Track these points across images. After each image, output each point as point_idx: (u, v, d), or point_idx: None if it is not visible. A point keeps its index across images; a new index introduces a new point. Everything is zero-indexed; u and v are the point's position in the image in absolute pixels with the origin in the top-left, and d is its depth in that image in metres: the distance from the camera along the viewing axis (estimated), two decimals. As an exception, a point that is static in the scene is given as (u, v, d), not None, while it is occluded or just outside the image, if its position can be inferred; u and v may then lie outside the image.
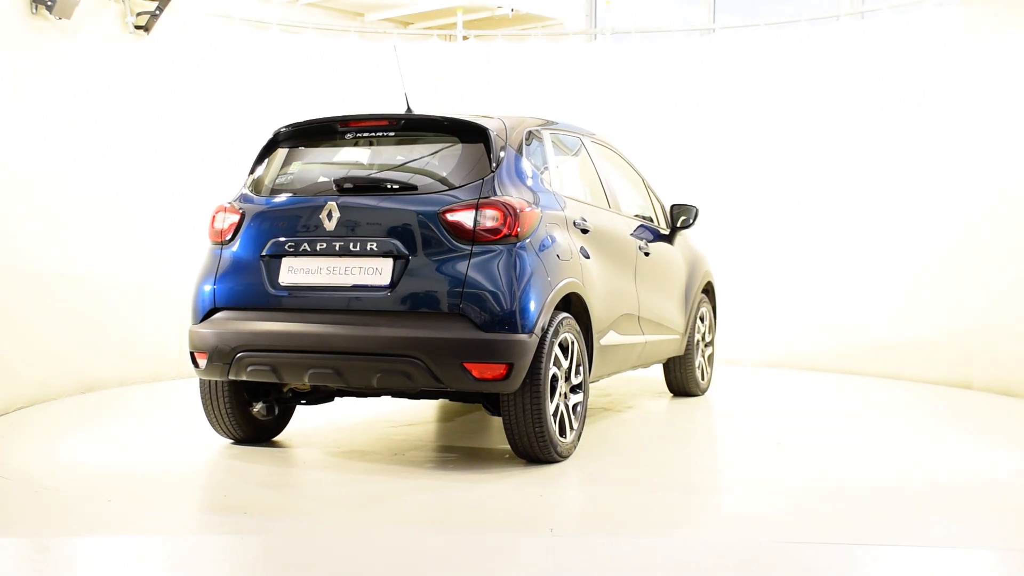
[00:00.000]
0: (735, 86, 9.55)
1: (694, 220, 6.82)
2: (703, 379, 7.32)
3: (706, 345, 7.35)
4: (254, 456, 5.34)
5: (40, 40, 7.21)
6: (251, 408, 5.44)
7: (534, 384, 4.80)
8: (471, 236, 4.74)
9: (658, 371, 7.43)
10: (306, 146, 5.40)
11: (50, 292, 7.08)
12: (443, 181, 4.94)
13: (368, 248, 4.83)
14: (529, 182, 5.12)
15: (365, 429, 6.02)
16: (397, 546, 3.88)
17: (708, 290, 7.39)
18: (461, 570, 3.59)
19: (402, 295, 4.75)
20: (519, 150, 5.16)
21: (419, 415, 6.49)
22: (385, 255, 4.81)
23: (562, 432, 5.06)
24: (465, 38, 10.33)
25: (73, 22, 7.41)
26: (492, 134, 5.03)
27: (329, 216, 4.91)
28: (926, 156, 8.36)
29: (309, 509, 4.43)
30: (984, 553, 3.81)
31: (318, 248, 4.91)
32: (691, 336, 6.99)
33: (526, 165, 5.16)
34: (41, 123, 7.22)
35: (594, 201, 5.96)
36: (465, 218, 4.75)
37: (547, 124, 5.71)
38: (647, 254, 6.27)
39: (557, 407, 5.00)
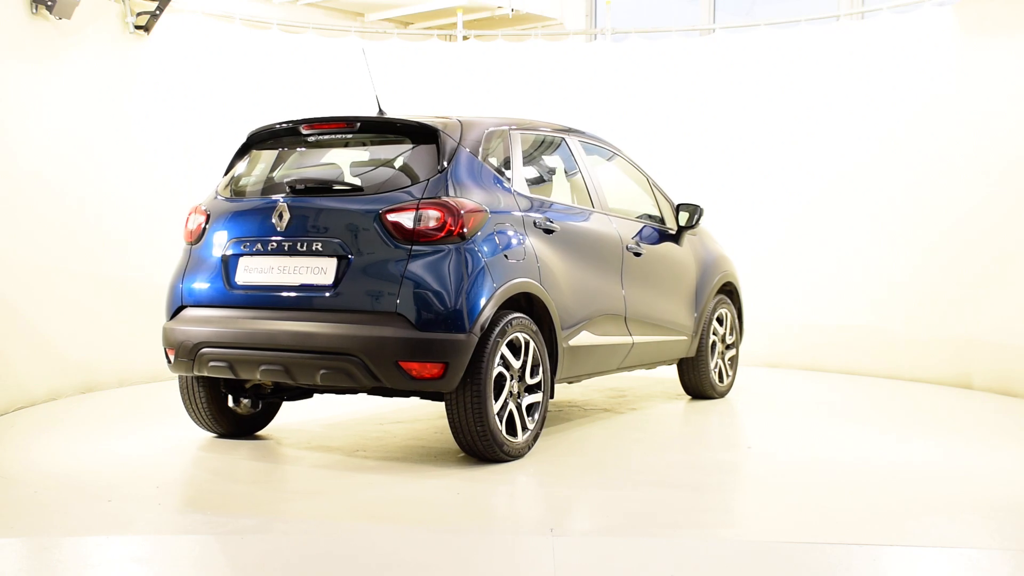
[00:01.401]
0: (735, 86, 9.55)
1: (697, 220, 6.76)
2: (722, 381, 7.20)
3: (727, 347, 7.23)
4: (254, 456, 5.35)
5: (40, 40, 7.21)
6: (229, 403, 5.63)
7: (475, 383, 4.85)
8: (411, 236, 4.82)
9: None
10: (273, 148, 5.53)
11: (51, 292, 7.08)
12: (391, 182, 5.04)
13: (314, 248, 4.96)
14: (482, 182, 5.15)
15: (356, 427, 6.02)
16: (373, 545, 3.89)
17: (731, 291, 7.30)
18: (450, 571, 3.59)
19: (344, 294, 4.86)
20: (475, 150, 5.21)
21: (408, 413, 6.49)
22: (330, 255, 4.93)
23: (512, 431, 5.09)
24: (465, 38, 10.33)
25: (73, 22, 7.42)
26: (443, 135, 5.11)
27: (280, 217, 5.05)
28: (926, 156, 8.36)
29: (310, 509, 4.43)
30: (984, 553, 3.81)
31: (270, 248, 5.08)
32: (703, 338, 6.91)
33: (480, 165, 5.20)
34: (41, 123, 7.22)
35: (574, 201, 5.98)
36: (405, 218, 4.84)
37: (518, 124, 5.71)
38: (638, 254, 6.21)
39: (504, 406, 5.02)
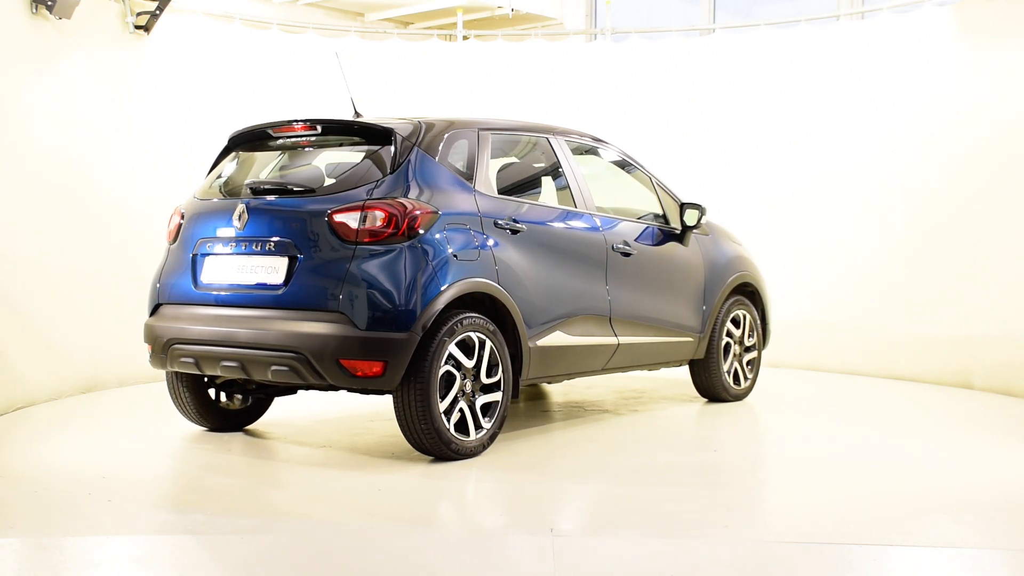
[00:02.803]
0: (735, 86, 9.56)
1: (698, 220, 6.65)
2: (739, 384, 7.06)
3: (745, 349, 7.10)
4: (254, 454, 5.36)
5: (40, 40, 7.21)
6: (221, 398, 5.84)
7: (419, 382, 4.91)
8: (356, 236, 4.90)
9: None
10: (249, 150, 5.71)
11: (51, 292, 7.08)
12: (342, 183, 5.14)
13: (267, 248, 5.10)
14: (436, 183, 5.20)
15: (351, 423, 6.03)
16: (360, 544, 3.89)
17: (752, 292, 7.17)
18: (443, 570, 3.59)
19: (293, 293, 4.98)
20: (432, 151, 5.26)
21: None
22: (282, 255, 5.05)
23: (463, 430, 5.12)
24: (465, 38, 10.34)
25: (73, 22, 7.42)
26: (397, 136, 5.19)
27: (239, 218, 5.21)
28: (926, 156, 8.36)
29: (311, 510, 4.43)
30: (984, 553, 3.81)
31: (230, 248, 5.25)
32: (713, 339, 6.82)
33: (436, 166, 5.25)
34: (41, 123, 7.23)
35: (556, 201, 5.99)
36: (350, 219, 4.92)
37: (490, 125, 5.73)
38: (627, 255, 6.15)
39: (453, 405, 5.06)
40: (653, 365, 6.57)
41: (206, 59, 8.78)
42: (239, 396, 5.87)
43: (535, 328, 5.48)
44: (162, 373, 7.90)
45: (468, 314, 5.11)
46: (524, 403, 7.06)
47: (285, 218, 5.09)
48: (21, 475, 4.93)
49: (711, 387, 6.98)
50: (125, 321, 7.66)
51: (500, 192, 5.60)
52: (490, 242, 5.28)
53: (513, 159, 6.18)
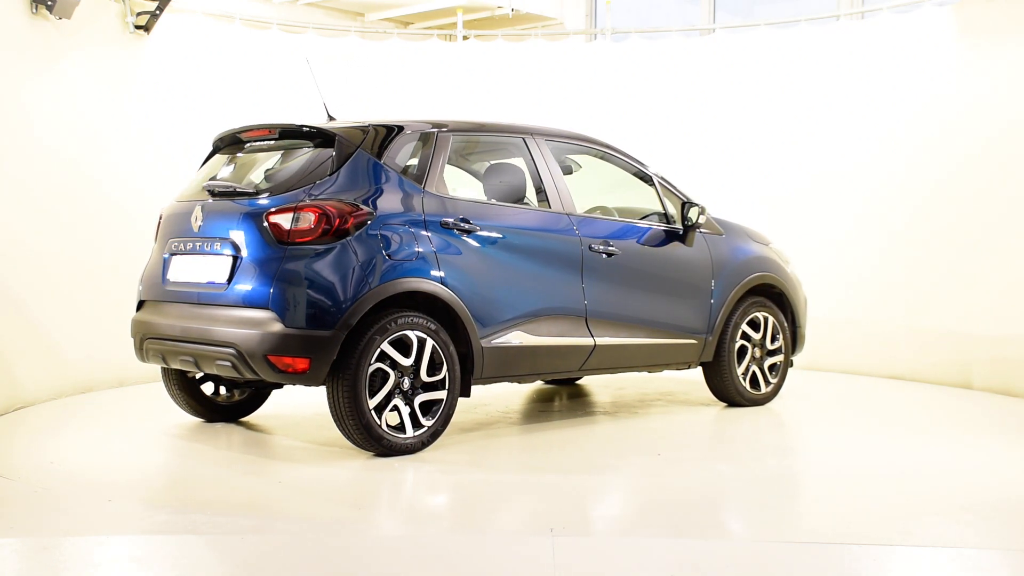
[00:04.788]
0: (735, 86, 9.56)
1: (696, 219, 6.54)
2: (758, 389, 6.86)
3: (767, 353, 6.89)
4: (254, 453, 5.36)
5: (40, 40, 7.21)
6: (213, 391, 6.15)
7: (346, 379, 5.04)
8: (288, 237, 5.08)
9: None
10: (227, 153, 5.93)
11: (50, 292, 7.08)
12: (283, 185, 5.32)
13: (215, 248, 5.35)
14: (376, 184, 5.31)
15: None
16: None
17: (779, 294, 6.97)
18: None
19: (233, 291, 5.20)
20: (378, 154, 5.40)
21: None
22: (226, 254, 5.28)
23: (400, 428, 5.22)
24: (465, 38, 10.34)
25: (73, 22, 7.42)
26: (340, 140, 5.36)
27: (196, 219, 5.49)
28: (926, 156, 8.37)
29: (311, 508, 4.43)
30: (984, 553, 3.81)
31: (188, 248, 5.54)
32: (723, 341, 6.64)
33: (380, 168, 5.38)
34: (41, 123, 7.23)
35: (522, 202, 6.01)
36: (283, 220, 5.11)
37: (454, 127, 5.80)
38: (609, 255, 6.08)
39: (386, 403, 5.16)
40: (652, 367, 6.47)
41: (206, 59, 8.78)
42: (225, 389, 6.16)
43: (490, 328, 5.53)
44: (160, 374, 7.94)
45: (405, 313, 5.20)
46: (562, 400, 7.05)
47: (230, 219, 5.32)
48: (21, 475, 4.93)
49: (724, 391, 6.82)
50: (124, 321, 7.65)
51: (462, 193, 5.72)
52: (434, 243, 5.37)
53: (480, 160, 6.28)
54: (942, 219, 8.16)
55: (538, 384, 7.75)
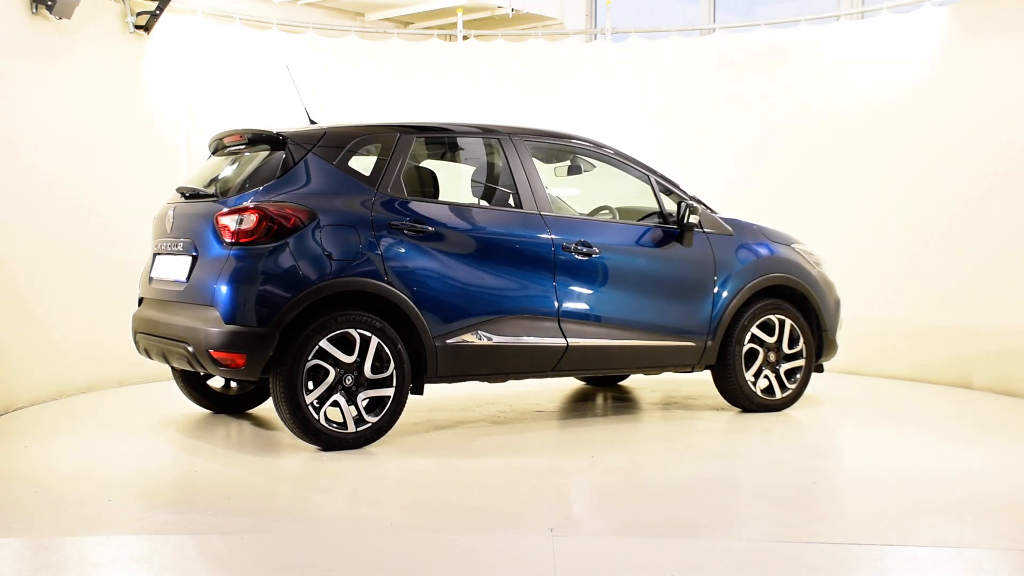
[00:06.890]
0: (735, 86, 9.55)
1: (687, 218, 6.34)
2: (771, 394, 6.65)
3: (784, 357, 6.66)
4: (255, 453, 5.36)
5: (40, 40, 7.21)
6: (212, 384, 6.47)
7: (282, 375, 5.25)
8: (233, 237, 5.31)
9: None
10: (217, 156, 6.21)
11: (51, 291, 7.08)
12: (237, 187, 5.56)
13: (180, 248, 5.69)
14: (325, 187, 5.50)
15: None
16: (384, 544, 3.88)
17: (800, 295, 6.74)
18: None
19: (189, 289, 5.51)
20: (330, 157, 5.60)
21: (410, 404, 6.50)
22: (186, 254, 5.60)
23: (342, 424, 5.37)
24: (465, 38, 10.34)
25: (73, 22, 7.42)
26: (291, 143, 5.58)
27: (168, 220, 5.85)
28: (924, 155, 8.36)
29: (311, 507, 4.43)
30: (984, 553, 3.81)
31: (164, 248, 5.88)
32: (728, 344, 6.48)
33: (331, 171, 5.57)
34: (41, 123, 7.22)
35: (491, 203, 6.12)
36: (230, 221, 5.34)
37: (420, 128, 5.94)
38: (587, 255, 6.01)
39: (328, 397, 5.32)
40: (645, 369, 6.39)
41: (206, 59, 8.78)
42: (234, 383, 6.47)
43: (446, 327, 5.61)
44: (162, 373, 7.95)
45: (347, 311, 5.33)
46: (608, 398, 7.06)
47: (193, 220, 5.62)
48: (21, 475, 4.93)
49: (730, 395, 6.65)
50: (124, 321, 7.66)
51: (426, 194, 5.88)
52: (383, 243, 5.48)
53: (445, 161, 6.42)
54: (943, 219, 8.15)
55: (579, 384, 7.86)
